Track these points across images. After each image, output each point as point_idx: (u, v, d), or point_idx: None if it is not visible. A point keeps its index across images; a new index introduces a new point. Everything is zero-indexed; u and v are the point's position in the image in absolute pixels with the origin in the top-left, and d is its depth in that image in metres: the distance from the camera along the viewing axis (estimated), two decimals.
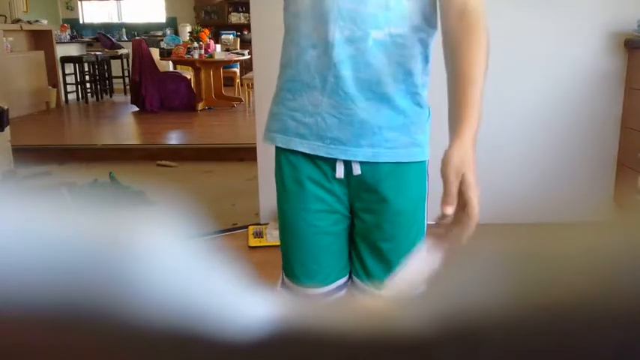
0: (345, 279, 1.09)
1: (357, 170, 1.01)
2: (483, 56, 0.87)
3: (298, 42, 0.97)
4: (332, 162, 1.01)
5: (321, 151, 1.00)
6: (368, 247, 1.06)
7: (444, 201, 0.78)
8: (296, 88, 0.99)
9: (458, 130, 0.82)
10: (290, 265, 1.09)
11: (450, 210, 0.77)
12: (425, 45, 0.98)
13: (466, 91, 0.84)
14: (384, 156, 1.00)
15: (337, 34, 0.93)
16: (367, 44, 0.93)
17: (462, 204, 0.78)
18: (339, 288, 1.08)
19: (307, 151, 1.01)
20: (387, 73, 0.95)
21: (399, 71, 0.96)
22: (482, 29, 0.89)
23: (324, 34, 0.94)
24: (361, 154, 0.99)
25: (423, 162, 1.05)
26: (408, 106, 0.99)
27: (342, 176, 1.01)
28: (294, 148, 1.02)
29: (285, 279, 1.10)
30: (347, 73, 0.94)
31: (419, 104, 1.01)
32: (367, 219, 1.05)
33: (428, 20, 0.97)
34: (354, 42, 0.93)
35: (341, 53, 0.94)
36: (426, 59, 1.00)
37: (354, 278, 1.09)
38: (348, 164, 1.01)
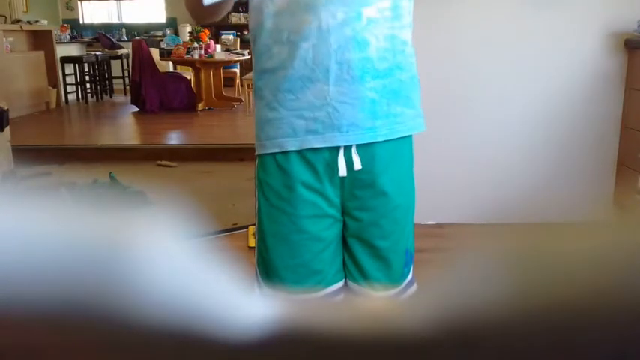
0: (339, 284, 1.05)
1: (357, 165, 0.98)
2: None
3: (287, 39, 0.95)
4: (331, 160, 0.98)
5: (339, 140, 0.97)
6: (363, 246, 1.04)
7: None
8: (296, 86, 0.96)
9: None
10: (276, 271, 1.03)
11: None
12: (409, 12, 1.00)
13: None
14: (398, 131, 1.00)
15: (331, 19, 0.92)
16: (362, 23, 0.93)
17: None
18: (333, 293, 1.04)
19: (323, 145, 0.97)
20: (387, 48, 0.96)
21: (396, 43, 0.97)
22: None
23: (317, 23, 0.92)
24: (380, 134, 0.98)
25: (411, 138, 1.05)
26: (408, 77, 1.00)
27: (345, 173, 0.98)
28: (310, 147, 0.98)
29: (265, 288, 1.04)
30: (350, 55, 0.93)
31: (414, 74, 1.03)
32: (363, 217, 1.02)
33: None
34: (350, 23, 0.93)
35: (340, 38, 0.93)
36: (411, 26, 1.01)
37: (349, 282, 1.06)
38: (348, 161, 0.98)
